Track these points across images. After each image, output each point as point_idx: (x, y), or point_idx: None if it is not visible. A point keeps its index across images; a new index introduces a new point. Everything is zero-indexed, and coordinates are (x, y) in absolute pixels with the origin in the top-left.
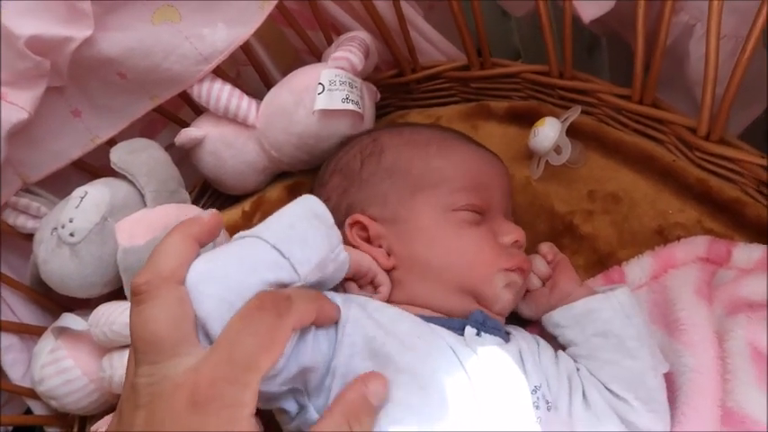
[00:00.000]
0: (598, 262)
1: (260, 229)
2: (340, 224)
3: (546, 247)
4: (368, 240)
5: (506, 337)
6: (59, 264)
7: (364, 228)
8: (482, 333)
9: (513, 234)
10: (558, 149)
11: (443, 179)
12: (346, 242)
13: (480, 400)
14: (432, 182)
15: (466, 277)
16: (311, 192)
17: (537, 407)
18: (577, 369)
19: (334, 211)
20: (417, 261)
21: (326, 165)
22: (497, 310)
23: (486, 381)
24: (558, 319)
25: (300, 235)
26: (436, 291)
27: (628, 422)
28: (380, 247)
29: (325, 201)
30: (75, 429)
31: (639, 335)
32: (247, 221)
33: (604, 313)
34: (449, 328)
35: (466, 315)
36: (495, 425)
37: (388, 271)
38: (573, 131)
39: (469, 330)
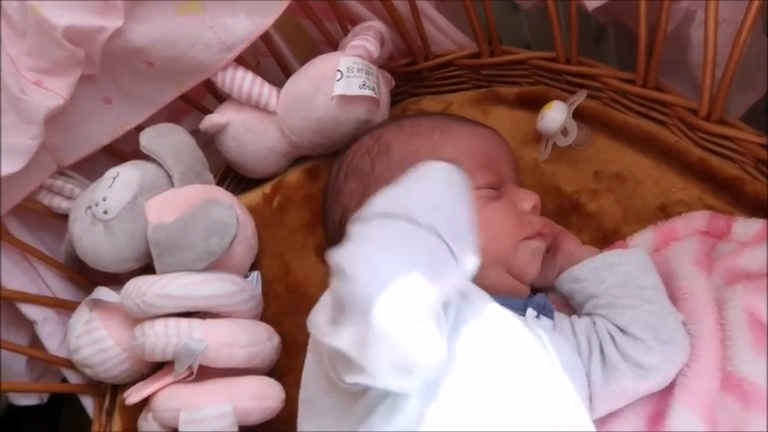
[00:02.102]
0: (603, 238)
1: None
2: None
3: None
4: None
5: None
6: (93, 240)
7: None
8: (541, 316)
9: (529, 200)
10: (564, 132)
11: (456, 163)
12: None
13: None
14: None
15: (494, 250)
16: (325, 201)
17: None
18: (594, 323)
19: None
20: None
21: (337, 171)
22: (528, 279)
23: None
24: (578, 273)
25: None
26: None
27: (640, 364)
28: None
29: (345, 206)
30: (107, 398)
31: (657, 286)
32: (268, 204)
33: (624, 267)
34: (509, 307)
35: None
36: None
37: None
38: (579, 115)
39: (531, 312)
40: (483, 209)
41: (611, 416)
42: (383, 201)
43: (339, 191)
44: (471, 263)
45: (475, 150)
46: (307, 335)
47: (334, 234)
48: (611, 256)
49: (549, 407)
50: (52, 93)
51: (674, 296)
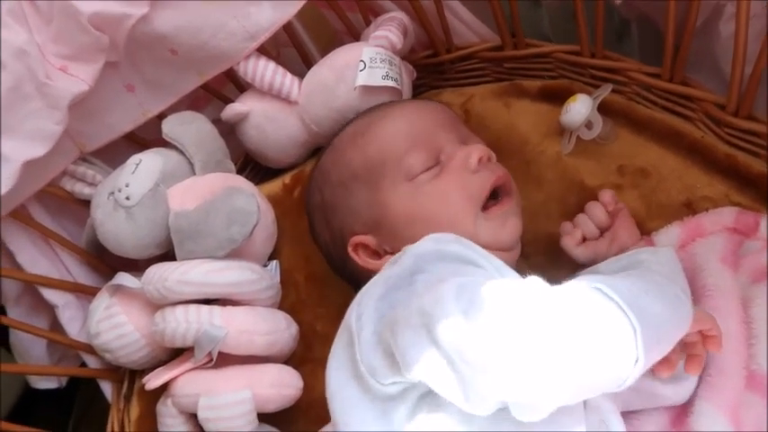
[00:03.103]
0: None
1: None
2: (344, 251)
3: (607, 196)
4: (374, 254)
5: None
6: (115, 225)
7: (365, 245)
8: None
9: (473, 154)
10: (588, 125)
11: (384, 159)
12: (357, 267)
13: None
14: (378, 169)
15: (457, 231)
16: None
17: None
18: None
19: (334, 245)
20: (417, 240)
21: (306, 211)
22: (510, 242)
23: None
24: (604, 269)
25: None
26: None
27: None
28: (387, 253)
29: (324, 241)
30: (126, 383)
31: (685, 291)
32: (288, 194)
33: (652, 265)
34: None
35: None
36: None
37: None
38: (603, 109)
39: None
40: (426, 192)
41: (633, 414)
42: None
43: (313, 228)
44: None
45: (397, 136)
46: (324, 324)
47: (331, 263)
48: (642, 253)
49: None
50: (77, 79)
51: (699, 293)
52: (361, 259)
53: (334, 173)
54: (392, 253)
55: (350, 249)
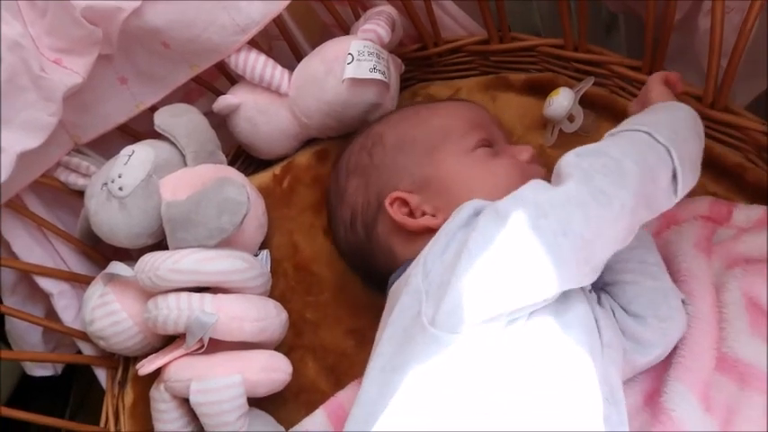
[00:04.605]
0: None
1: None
2: (377, 212)
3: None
4: (410, 214)
5: None
6: (109, 216)
7: (404, 202)
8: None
9: (526, 152)
10: (571, 118)
11: (448, 130)
12: (392, 222)
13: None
14: (440, 137)
15: None
16: (330, 206)
17: None
18: (598, 298)
19: (365, 208)
20: (463, 203)
21: (336, 175)
22: None
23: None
24: None
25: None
26: None
27: (639, 340)
28: (424, 214)
29: (353, 205)
30: (120, 370)
31: (660, 263)
32: (278, 184)
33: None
34: None
35: None
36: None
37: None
38: (586, 102)
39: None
40: (487, 164)
41: None
42: (629, 121)
43: (344, 192)
44: (683, 191)
45: (462, 116)
46: (313, 312)
47: (346, 236)
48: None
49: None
50: (71, 71)
51: (673, 278)
52: (397, 214)
53: (391, 135)
54: (433, 215)
55: (387, 203)
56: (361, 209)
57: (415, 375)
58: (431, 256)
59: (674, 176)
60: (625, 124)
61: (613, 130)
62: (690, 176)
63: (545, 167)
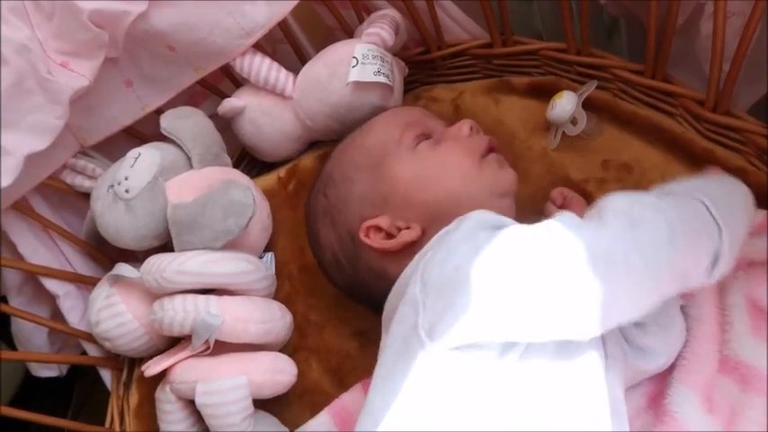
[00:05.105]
0: None
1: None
2: (355, 246)
3: (554, 193)
4: (387, 236)
5: None
6: (115, 218)
7: (377, 228)
8: None
9: (464, 126)
10: (574, 121)
11: (384, 143)
12: (374, 252)
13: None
14: (379, 153)
15: (466, 178)
16: (312, 249)
17: None
18: None
19: (342, 247)
20: (430, 204)
21: (307, 223)
22: (512, 189)
23: None
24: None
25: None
26: (466, 209)
27: (640, 346)
28: (399, 229)
29: (330, 247)
30: (125, 371)
31: None
32: (283, 187)
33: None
34: None
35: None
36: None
37: (423, 236)
38: (589, 105)
39: None
40: (433, 154)
41: None
42: (679, 184)
43: (317, 237)
44: (718, 276)
45: (392, 123)
46: (318, 314)
47: (337, 275)
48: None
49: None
50: (78, 74)
51: None
52: (375, 241)
53: (337, 172)
54: (407, 228)
55: (362, 235)
56: (338, 248)
57: (413, 387)
58: (429, 265)
59: (716, 258)
60: (682, 186)
61: (667, 188)
62: (730, 263)
63: (546, 172)
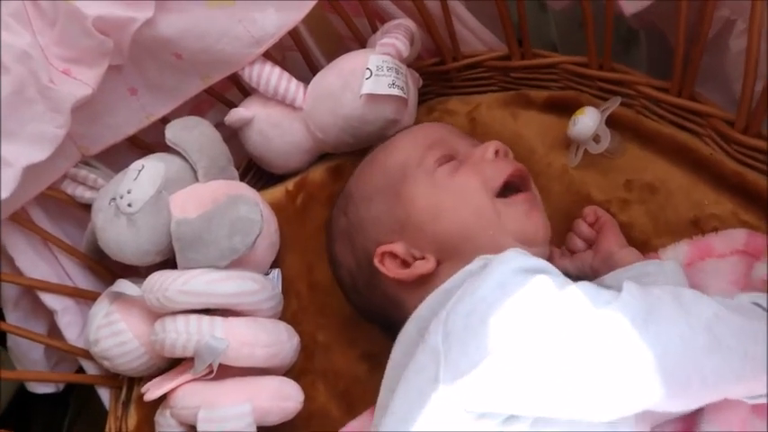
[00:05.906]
0: None
1: None
2: (371, 270)
3: (587, 210)
4: (403, 264)
5: None
6: (116, 232)
7: (392, 254)
8: None
9: (489, 148)
10: (596, 138)
11: (404, 165)
12: (388, 281)
13: None
14: (399, 175)
15: (482, 222)
16: (335, 276)
17: None
18: None
19: (359, 270)
20: (443, 236)
21: (327, 242)
22: (540, 239)
23: None
24: (611, 282)
25: None
26: (485, 248)
27: None
28: (415, 259)
29: (348, 268)
30: (124, 390)
31: None
32: (291, 201)
33: (659, 277)
34: None
35: None
36: None
37: (439, 268)
38: (611, 123)
39: None
40: (452, 181)
41: None
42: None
43: (335, 257)
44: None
45: (414, 143)
46: (326, 334)
47: (356, 298)
48: (648, 265)
49: None
50: (80, 82)
51: None
52: (389, 269)
53: (357, 192)
54: (423, 258)
55: (376, 261)
56: (356, 271)
57: None
58: (453, 315)
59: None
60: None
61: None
62: None
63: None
